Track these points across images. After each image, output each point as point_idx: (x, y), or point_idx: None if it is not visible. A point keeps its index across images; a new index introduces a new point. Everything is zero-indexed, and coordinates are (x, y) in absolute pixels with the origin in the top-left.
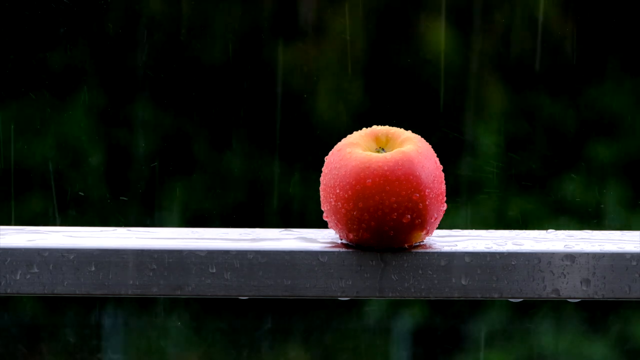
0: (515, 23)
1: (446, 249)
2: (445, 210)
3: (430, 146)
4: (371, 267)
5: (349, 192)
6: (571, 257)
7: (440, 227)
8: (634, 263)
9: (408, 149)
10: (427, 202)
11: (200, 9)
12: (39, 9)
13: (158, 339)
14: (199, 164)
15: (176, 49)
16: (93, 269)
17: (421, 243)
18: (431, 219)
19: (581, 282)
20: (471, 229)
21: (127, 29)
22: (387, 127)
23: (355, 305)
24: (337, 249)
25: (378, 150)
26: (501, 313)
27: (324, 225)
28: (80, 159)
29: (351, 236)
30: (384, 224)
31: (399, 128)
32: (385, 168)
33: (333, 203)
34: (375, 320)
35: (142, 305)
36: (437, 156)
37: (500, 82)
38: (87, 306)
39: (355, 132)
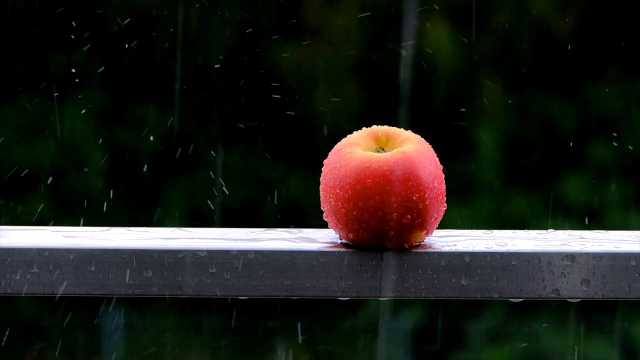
0: (515, 23)
1: (446, 249)
2: (446, 210)
3: (430, 146)
4: (371, 267)
5: (349, 192)
6: (571, 257)
7: (440, 227)
8: (634, 263)
9: (408, 149)
10: (427, 202)
11: (200, 9)
12: (39, 9)
13: (158, 338)
14: (199, 163)
15: (176, 49)
16: (93, 269)
17: (421, 243)
18: (431, 219)
19: (581, 282)
20: (471, 228)
21: (128, 28)
22: (387, 127)
23: (355, 305)
24: (337, 249)
25: (378, 150)
26: (501, 313)
27: (324, 225)
28: (81, 158)
29: (351, 236)
30: (384, 224)
31: (398, 128)
32: (386, 168)
33: (333, 203)
34: (375, 320)
35: (142, 305)
36: (437, 156)
37: (500, 82)
38: (87, 306)
39: (355, 132)
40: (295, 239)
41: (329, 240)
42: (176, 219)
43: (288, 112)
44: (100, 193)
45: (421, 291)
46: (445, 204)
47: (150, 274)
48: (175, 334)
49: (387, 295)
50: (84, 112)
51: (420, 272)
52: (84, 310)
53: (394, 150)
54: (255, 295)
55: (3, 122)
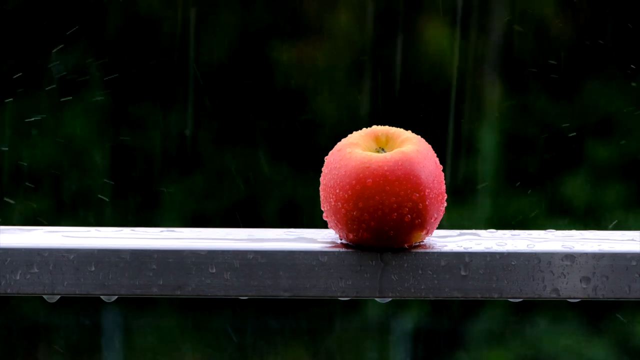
0: (515, 23)
1: (446, 249)
2: (446, 210)
3: (430, 146)
4: (371, 267)
5: (349, 192)
6: (571, 257)
7: (440, 227)
8: (634, 263)
9: (408, 149)
10: (427, 202)
11: (201, 9)
12: (41, 9)
13: (158, 338)
14: (200, 163)
15: (177, 49)
16: (93, 269)
17: (421, 243)
18: (431, 219)
19: (581, 282)
20: (471, 228)
21: (129, 29)
22: (387, 127)
23: (355, 305)
24: (337, 249)
25: (378, 150)
26: (501, 313)
27: (324, 225)
28: (81, 158)
29: (351, 236)
30: (384, 224)
31: (398, 128)
32: (385, 168)
33: (333, 203)
34: (375, 320)
35: (142, 305)
36: (437, 156)
37: (500, 82)
38: (87, 306)
39: (355, 132)
40: (295, 239)
41: (329, 240)
42: (176, 219)
43: (288, 112)
44: (101, 193)
45: (421, 291)
46: (446, 204)
47: (150, 274)
48: (175, 334)
49: (387, 295)
50: (85, 112)
51: (420, 272)
52: (84, 310)
53: (394, 151)
54: (255, 295)
55: (3, 122)
